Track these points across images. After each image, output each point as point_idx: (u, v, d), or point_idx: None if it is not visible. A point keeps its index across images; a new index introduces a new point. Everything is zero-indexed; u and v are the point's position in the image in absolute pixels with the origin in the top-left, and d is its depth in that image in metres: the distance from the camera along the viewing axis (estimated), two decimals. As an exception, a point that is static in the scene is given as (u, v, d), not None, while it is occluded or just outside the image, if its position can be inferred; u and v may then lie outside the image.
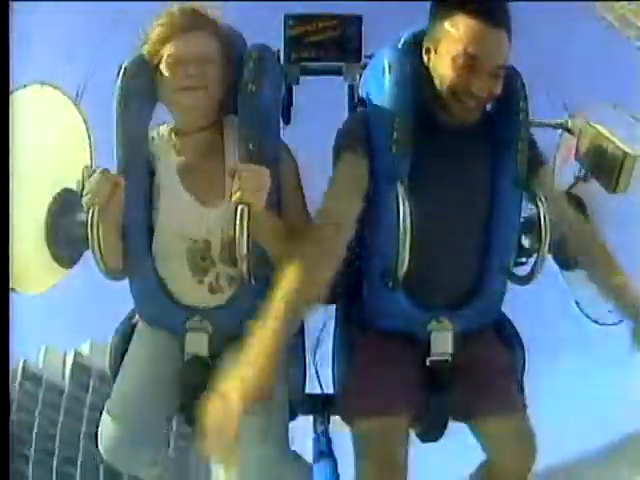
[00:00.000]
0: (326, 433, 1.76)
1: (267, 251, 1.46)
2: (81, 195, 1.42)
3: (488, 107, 1.57)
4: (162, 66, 1.48)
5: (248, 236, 1.31)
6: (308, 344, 1.71)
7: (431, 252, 1.50)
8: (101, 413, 1.58)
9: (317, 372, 1.78)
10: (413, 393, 1.56)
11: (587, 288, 1.83)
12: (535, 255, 1.52)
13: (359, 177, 1.46)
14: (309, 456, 1.72)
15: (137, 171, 1.51)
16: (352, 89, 1.90)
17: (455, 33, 1.37)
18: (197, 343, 1.57)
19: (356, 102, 1.71)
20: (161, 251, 1.55)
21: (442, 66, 1.41)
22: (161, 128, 1.60)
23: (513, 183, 1.53)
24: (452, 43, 1.38)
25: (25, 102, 1.69)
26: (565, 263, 1.81)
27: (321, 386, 1.80)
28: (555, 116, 1.72)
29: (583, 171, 1.69)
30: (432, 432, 1.65)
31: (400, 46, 1.56)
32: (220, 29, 1.52)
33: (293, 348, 1.62)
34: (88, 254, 1.49)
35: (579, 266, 1.64)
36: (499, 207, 1.55)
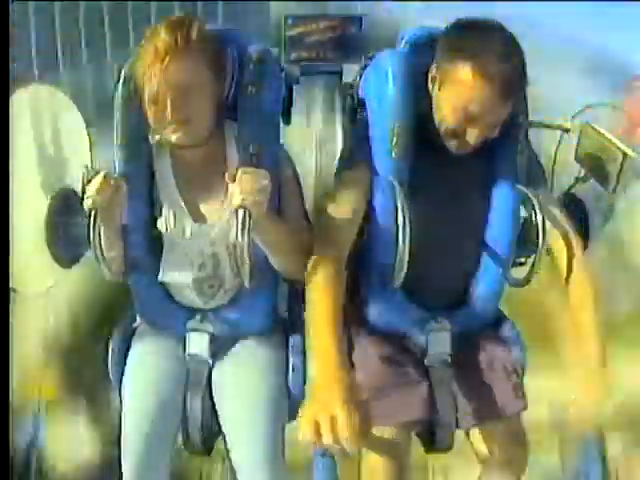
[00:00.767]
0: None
1: (268, 254, 1.46)
2: (82, 195, 1.42)
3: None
4: (144, 97, 1.40)
5: (249, 240, 1.31)
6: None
7: (430, 253, 1.49)
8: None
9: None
10: (414, 398, 1.56)
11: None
12: (533, 256, 1.51)
13: (363, 191, 1.48)
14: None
15: (138, 174, 1.50)
16: (352, 90, 1.90)
17: (460, 86, 1.36)
18: (198, 344, 1.58)
19: (355, 103, 1.70)
20: (166, 271, 1.54)
21: (443, 107, 1.41)
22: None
23: (511, 185, 1.52)
24: (455, 94, 1.37)
25: (25, 102, 1.70)
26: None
27: None
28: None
29: (583, 171, 1.69)
30: (439, 441, 1.65)
31: (402, 49, 1.56)
32: (209, 45, 1.40)
33: (293, 349, 1.62)
34: (88, 253, 1.49)
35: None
36: (497, 209, 1.55)
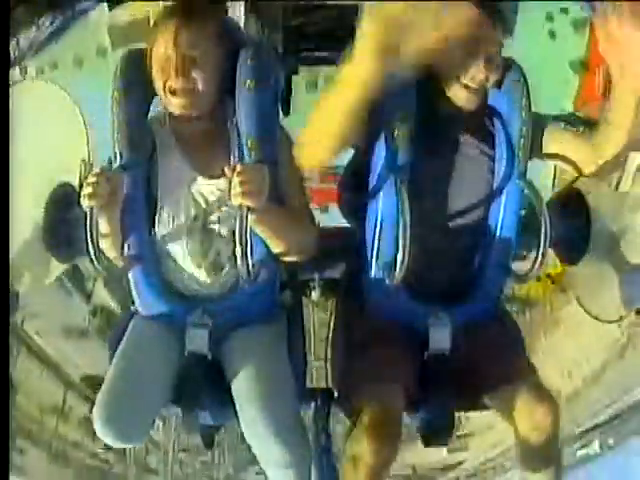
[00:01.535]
0: (326, 428, 1.77)
1: (268, 242, 1.45)
2: (79, 190, 1.41)
3: (488, 104, 1.57)
4: (152, 66, 1.45)
5: (249, 236, 1.30)
6: (308, 339, 1.71)
7: (431, 248, 1.50)
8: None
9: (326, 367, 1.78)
10: (410, 369, 1.55)
11: (588, 284, 1.83)
12: (535, 251, 1.51)
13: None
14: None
15: (136, 166, 1.50)
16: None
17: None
18: (198, 340, 1.57)
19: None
20: (161, 238, 1.54)
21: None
22: (158, 110, 1.56)
23: (513, 178, 1.52)
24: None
25: (23, 97, 1.69)
26: (566, 259, 1.81)
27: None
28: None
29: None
30: (437, 433, 1.65)
31: None
32: (214, 16, 1.48)
33: (293, 341, 1.63)
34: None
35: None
36: (499, 203, 1.55)
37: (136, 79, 1.49)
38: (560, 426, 1.47)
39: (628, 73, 1.28)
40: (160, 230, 1.53)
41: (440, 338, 1.58)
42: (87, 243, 1.39)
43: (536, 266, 1.49)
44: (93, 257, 1.41)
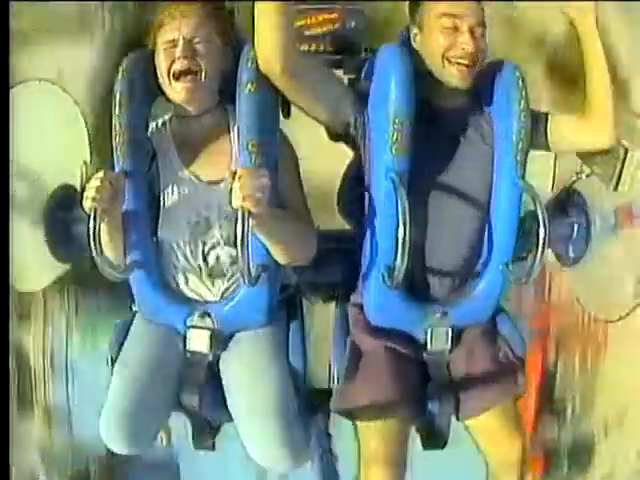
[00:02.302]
0: (326, 429, 1.77)
1: (268, 246, 1.46)
2: (81, 192, 1.41)
3: (488, 102, 1.57)
4: (157, 54, 1.49)
5: (249, 240, 1.31)
6: (308, 341, 1.71)
7: (429, 249, 1.51)
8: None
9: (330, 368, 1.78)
10: (413, 392, 1.57)
11: (588, 284, 1.83)
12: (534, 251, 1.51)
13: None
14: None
15: (137, 169, 1.50)
16: (352, 83, 1.89)
17: (432, 5, 1.48)
18: (198, 340, 1.58)
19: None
20: (163, 240, 1.55)
21: (430, 38, 1.49)
22: (159, 120, 1.58)
23: (512, 179, 1.52)
24: (433, 13, 1.48)
25: (24, 98, 1.69)
26: (565, 259, 1.81)
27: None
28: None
29: (584, 168, 1.69)
30: (435, 437, 1.65)
31: (402, 44, 1.55)
32: (217, 13, 1.52)
33: (293, 343, 1.63)
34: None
35: None
36: (498, 204, 1.55)
37: (139, 81, 1.50)
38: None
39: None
40: (161, 234, 1.54)
41: (439, 339, 1.59)
42: (89, 245, 1.39)
43: (535, 267, 1.49)
44: (95, 259, 1.42)
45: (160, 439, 1.66)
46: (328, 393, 1.76)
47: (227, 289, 1.57)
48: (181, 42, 1.45)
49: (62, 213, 1.72)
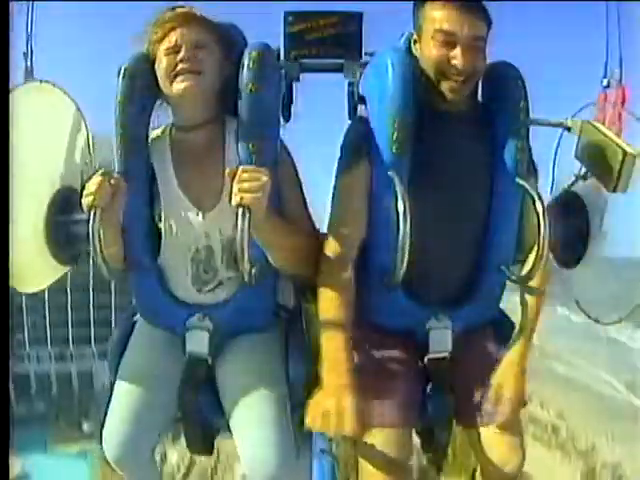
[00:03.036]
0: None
1: (267, 252, 1.46)
2: (81, 193, 1.42)
3: (488, 102, 1.57)
4: (158, 61, 1.49)
5: (249, 238, 1.31)
6: (307, 342, 1.71)
7: (430, 250, 1.50)
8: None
9: None
10: (415, 400, 1.57)
11: (587, 286, 1.83)
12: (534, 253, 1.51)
13: (364, 189, 1.51)
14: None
15: (138, 172, 1.51)
16: (352, 86, 1.90)
17: (430, 15, 1.47)
18: (197, 341, 1.58)
19: (356, 100, 1.71)
20: (165, 255, 1.55)
21: (425, 49, 1.49)
22: (159, 130, 1.59)
23: (512, 182, 1.52)
24: (430, 25, 1.47)
25: (24, 100, 1.69)
26: (564, 261, 1.81)
27: None
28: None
29: (583, 169, 1.69)
30: (436, 440, 1.64)
31: (401, 46, 1.56)
32: (215, 22, 1.54)
33: (293, 344, 1.63)
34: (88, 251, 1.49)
35: None
36: (498, 206, 1.56)
37: (140, 82, 1.51)
38: None
39: None
40: (162, 240, 1.54)
41: (440, 341, 1.59)
42: (89, 245, 1.40)
43: (535, 268, 1.49)
44: (95, 259, 1.42)
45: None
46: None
47: (225, 292, 1.58)
48: (184, 47, 1.46)
49: (62, 215, 1.72)
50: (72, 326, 30.32)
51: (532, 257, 1.49)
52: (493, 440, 1.58)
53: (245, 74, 1.47)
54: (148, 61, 1.52)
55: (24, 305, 27.88)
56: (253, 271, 1.38)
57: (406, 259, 1.41)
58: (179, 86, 1.47)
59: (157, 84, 1.51)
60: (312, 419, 1.40)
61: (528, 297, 1.61)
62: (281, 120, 1.63)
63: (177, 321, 1.59)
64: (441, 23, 1.45)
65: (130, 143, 1.50)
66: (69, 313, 30.41)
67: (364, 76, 1.64)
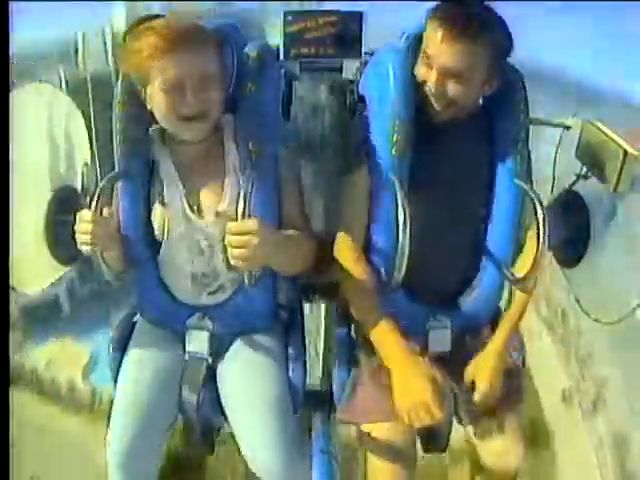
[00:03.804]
0: (326, 430, 1.76)
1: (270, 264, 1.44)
2: (81, 192, 1.42)
3: (488, 104, 1.57)
4: (153, 91, 1.36)
5: None
6: (308, 343, 1.71)
7: (430, 250, 1.50)
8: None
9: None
10: None
11: (587, 285, 1.83)
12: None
13: (365, 191, 1.51)
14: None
15: (138, 172, 1.50)
16: (352, 87, 1.89)
17: (426, 31, 1.42)
18: (198, 341, 1.58)
19: (355, 99, 1.70)
20: (165, 256, 1.55)
21: (423, 69, 1.44)
22: (159, 130, 1.54)
23: (511, 184, 1.52)
24: (430, 51, 1.40)
25: (25, 100, 1.69)
26: (565, 260, 1.81)
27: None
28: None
29: (584, 169, 1.69)
30: (436, 440, 1.65)
31: (402, 46, 1.56)
32: (212, 33, 1.40)
33: (293, 344, 1.63)
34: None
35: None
36: (498, 206, 1.55)
37: (137, 88, 1.50)
38: None
39: None
40: (163, 242, 1.54)
41: (440, 340, 1.59)
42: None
43: (534, 271, 1.49)
44: (95, 260, 1.42)
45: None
46: (326, 394, 1.77)
47: (225, 293, 1.58)
48: (189, 84, 1.32)
49: (63, 214, 1.72)
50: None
51: (531, 259, 1.48)
52: (491, 439, 1.59)
53: (244, 74, 1.46)
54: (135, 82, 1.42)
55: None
56: (253, 272, 1.38)
57: (406, 259, 1.41)
58: (187, 133, 1.41)
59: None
60: (409, 419, 1.44)
61: (517, 293, 1.61)
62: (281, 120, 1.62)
63: (177, 321, 1.59)
64: (426, 43, 1.41)
65: (130, 143, 1.49)
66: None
67: (364, 76, 1.64)
